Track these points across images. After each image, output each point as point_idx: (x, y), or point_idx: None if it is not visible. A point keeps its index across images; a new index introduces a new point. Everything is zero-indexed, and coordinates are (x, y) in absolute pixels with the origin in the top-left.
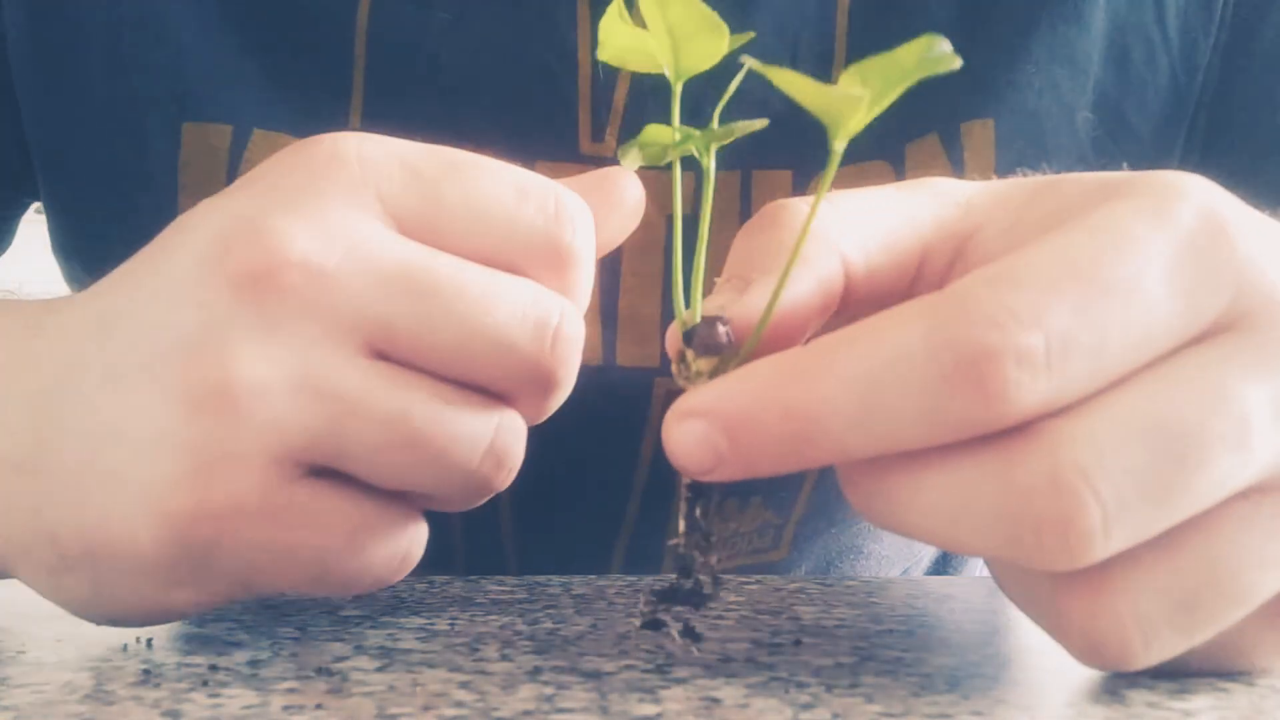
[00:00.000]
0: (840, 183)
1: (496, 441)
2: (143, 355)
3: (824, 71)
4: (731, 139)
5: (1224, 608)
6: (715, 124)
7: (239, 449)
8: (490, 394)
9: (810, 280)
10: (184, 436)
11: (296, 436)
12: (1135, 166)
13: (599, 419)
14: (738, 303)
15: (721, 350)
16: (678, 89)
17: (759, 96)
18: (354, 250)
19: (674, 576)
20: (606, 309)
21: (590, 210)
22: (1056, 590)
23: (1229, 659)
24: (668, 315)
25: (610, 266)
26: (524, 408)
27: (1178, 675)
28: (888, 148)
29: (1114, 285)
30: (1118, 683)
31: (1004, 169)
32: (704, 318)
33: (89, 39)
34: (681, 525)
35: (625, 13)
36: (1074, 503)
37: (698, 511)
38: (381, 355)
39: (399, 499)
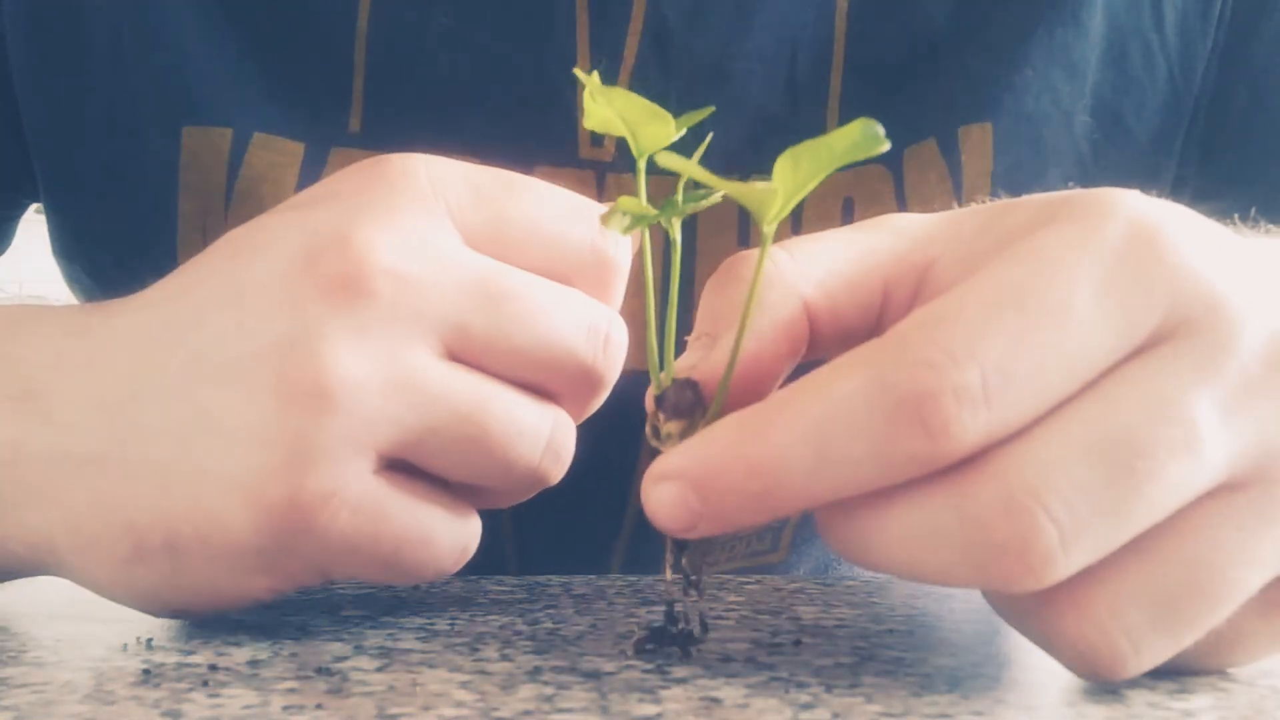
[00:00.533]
0: (839, 186)
1: (554, 438)
2: (232, 354)
3: (822, 74)
4: (694, 210)
5: (1207, 607)
6: (680, 197)
7: (332, 442)
8: (544, 394)
9: (773, 328)
10: (279, 430)
11: (386, 431)
12: (1133, 170)
13: (598, 420)
14: (705, 360)
15: (691, 413)
16: (642, 164)
17: (755, 102)
18: (435, 260)
19: (662, 617)
20: None
21: None
22: (1042, 608)
23: (1224, 655)
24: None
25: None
26: (572, 407)
27: (1177, 674)
28: (885, 152)
29: (1045, 313)
30: (1118, 683)
31: (1002, 173)
32: (674, 381)
33: (90, 42)
34: (668, 574)
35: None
36: (1029, 524)
37: (683, 560)
38: (456, 357)
39: (463, 493)
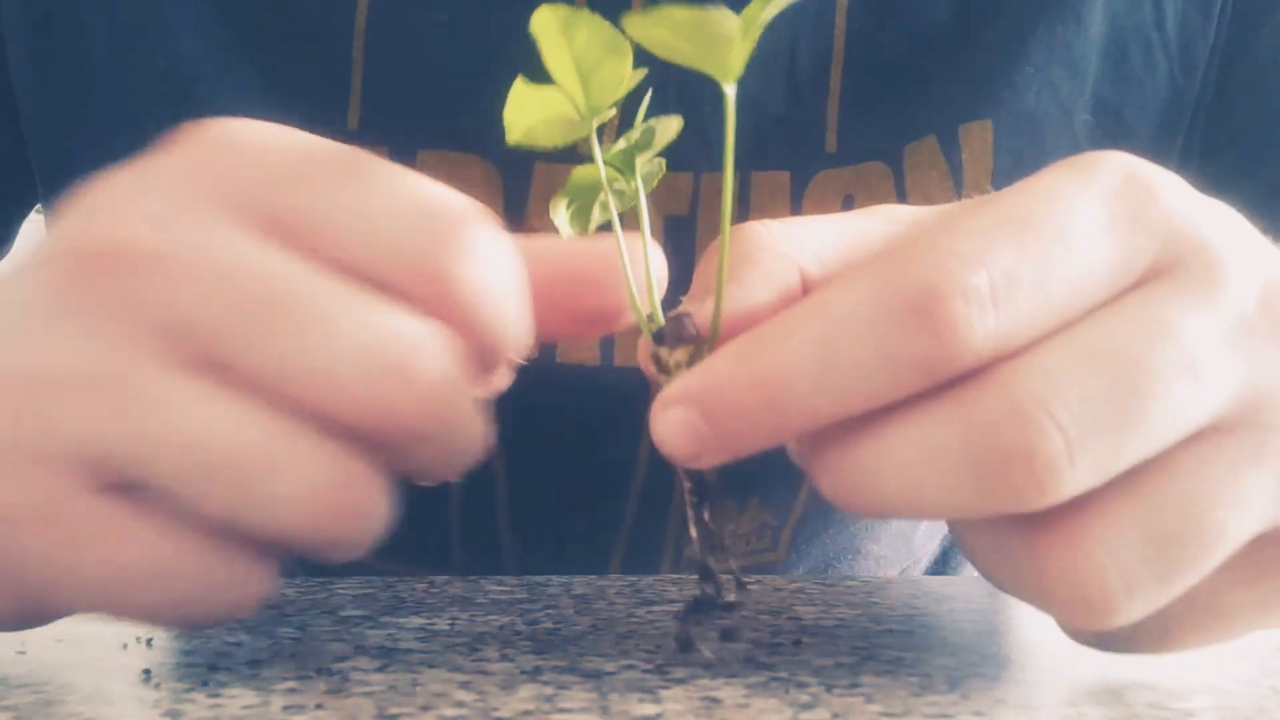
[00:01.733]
0: (839, 184)
1: (330, 489)
2: None
3: (822, 71)
4: (654, 149)
5: (1199, 547)
6: (631, 140)
7: (25, 444)
8: (353, 431)
9: (768, 289)
10: None
11: (90, 442)
12: None
13: (596, 419)
14: (699, 310)
15: (694, 340)
16: (593, 128)
17: (755, 97)
18: (194, 245)
19: (693, 588)
20: None
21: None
22: (1034, 547)
23: (1212, 629)
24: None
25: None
26: (395, 456)
27: (1167, 649)
28: (886, 149)
29: (1050, 231)
30: (1118, 683)
31: (1002, 171)
32: (668, 317)
33: (88, 41)
34: (693, 531)
35: (527, 81)
36: (1036, 431)
37: (705, 515)
38: (210, 369)
39: (240, 538)
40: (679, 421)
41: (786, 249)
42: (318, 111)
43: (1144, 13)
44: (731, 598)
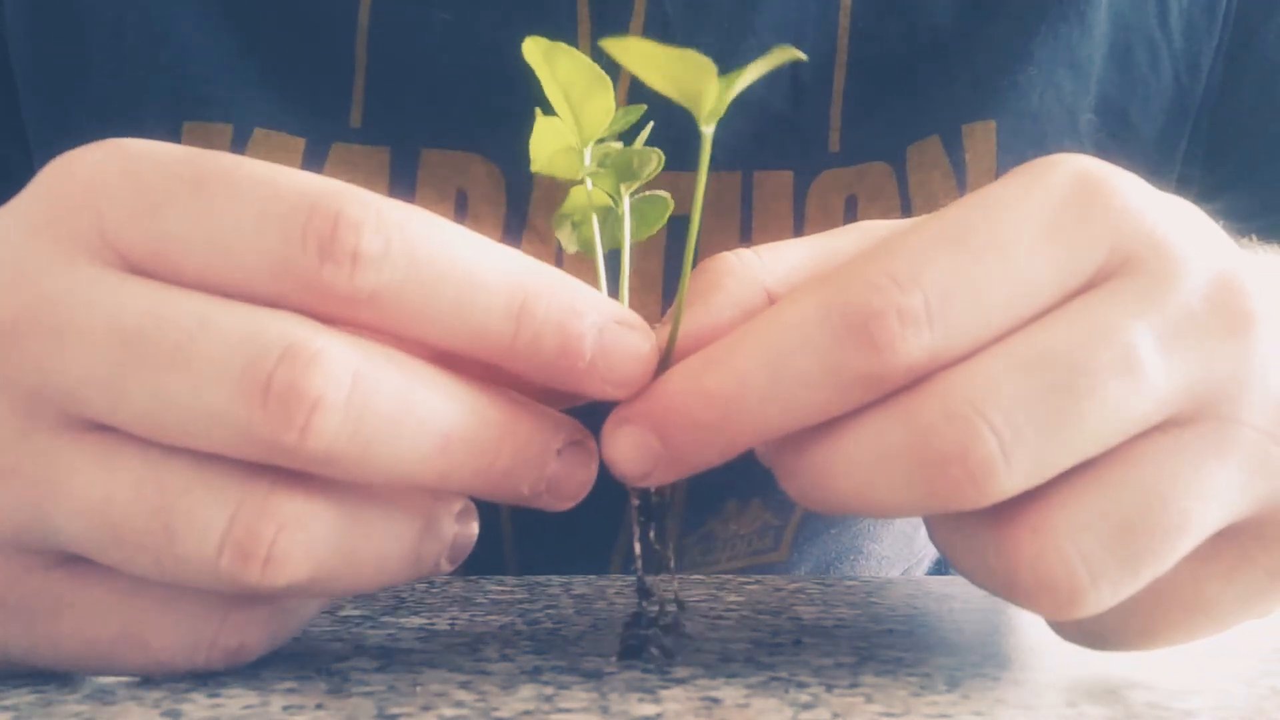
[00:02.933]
0: (842, 184)
1: (236, 529)
2: None
3: (825, 70)
4: (638, 180)
5: (1162, 535)
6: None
7: None
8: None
9: (732, 308)
10: None
11: (5, 524)
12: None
13: (597, 420)
14: (660, 332)
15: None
16: (585, 154)
17: (758, 97)
18: (51, 302)
19: (639, 604)
20: None
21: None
22: (1000, 539)
23: (1193, 624)
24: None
25: (611, 267)
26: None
27: (1155, 644)
28: (888, 149)
29: (987, 247)
30: (1118, 683)
31: (1005, 171)
32: None
33: (91, 38)
34: (637, 548)
35: (546, 117)
36: (969, 432)
37: (651, 534)
38: (93, 424)
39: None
40: (631, 441)
41: (755, 274)
42: (320, 110)
43: (1148, 12)
44: (670, 614)
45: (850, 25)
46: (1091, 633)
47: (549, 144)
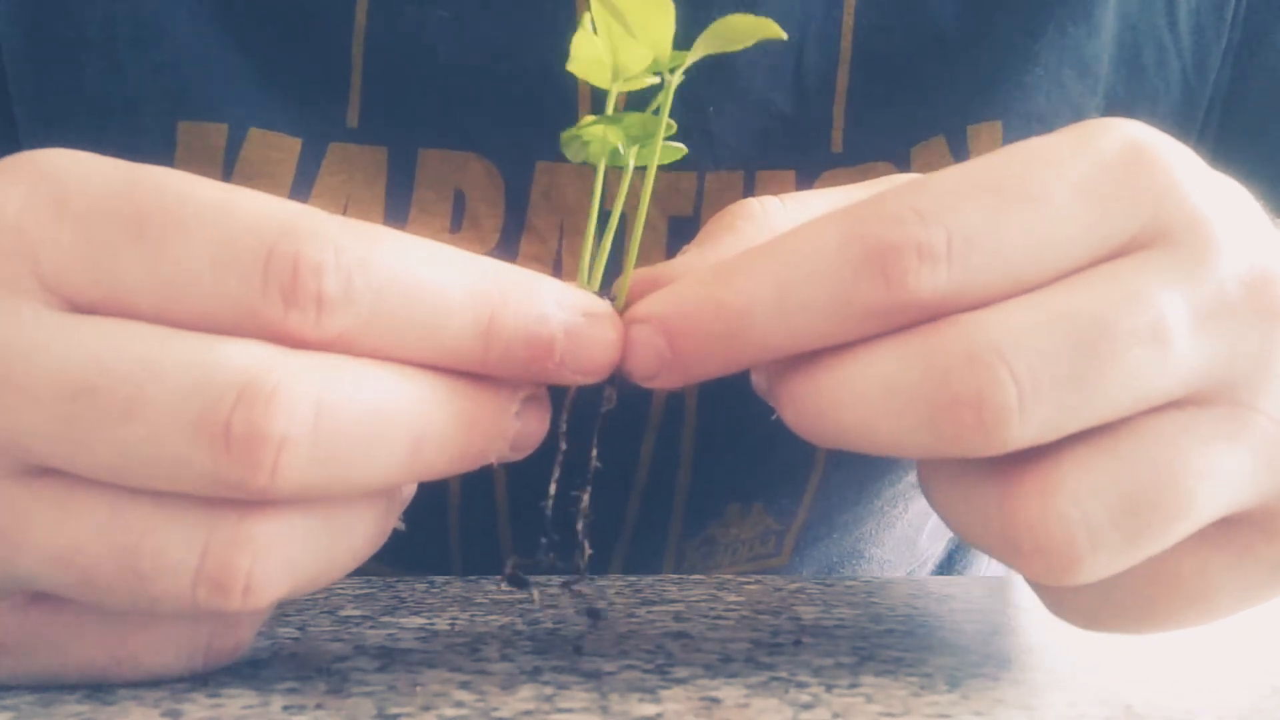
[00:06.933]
0: (844, 184)
1: (208, 564)
2: None
3: (829, 69)
4: (648, 139)
5: (1167, 512)
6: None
7: None
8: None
9: (741, 248)
10: None
11: None
12: None
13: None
14: (653, 268)
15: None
16: (614, 91)
17: (761, 96)
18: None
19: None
20: None
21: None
22: (1004, 495)
23: (1194, 609)
24: None
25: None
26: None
27: (1151, 628)
28: (892, 150)
29: (1023, 194)
30: (1118, 683)
31: None
32: (600, 294)
33: (84, 37)
34: (552, 489)
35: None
36: (989, 377)
37: (585, 501)
38: (50, 470)
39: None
40: (643, 340)
41: (774, 222)
42: (316, 109)
43: (1156, 13)
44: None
45: (855, 24)
46: (1088, 611)
47: (587, 51)
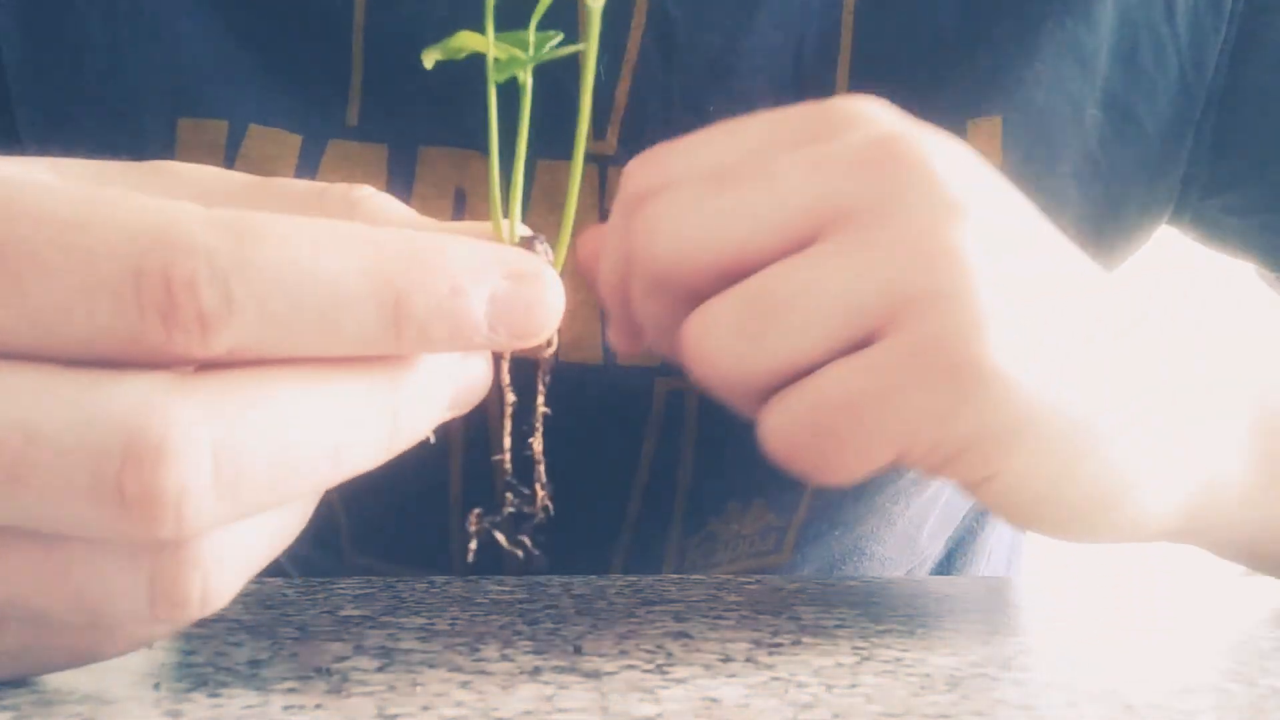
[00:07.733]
0: None
1: (158, 588)
2: None
3: (829, 67)
4: (546, 58)
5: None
6: (532, 35)
7: None
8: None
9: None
10: None
11: None
12: (1144, 164)
13: (598, 418)
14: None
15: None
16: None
17: (762, 94)
18: None
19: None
20: None
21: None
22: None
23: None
24: None
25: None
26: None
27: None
28: None
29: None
30: (1118, 683)
31: (1011, 167)
32: (521, 238)
33: (84, 35)
34: (506, 442)
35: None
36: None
37: (536, 445)
38: None
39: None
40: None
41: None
42: (316, 107)
43: (1154, 8)
44: (529, 510)
45: (853, 21)
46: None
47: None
